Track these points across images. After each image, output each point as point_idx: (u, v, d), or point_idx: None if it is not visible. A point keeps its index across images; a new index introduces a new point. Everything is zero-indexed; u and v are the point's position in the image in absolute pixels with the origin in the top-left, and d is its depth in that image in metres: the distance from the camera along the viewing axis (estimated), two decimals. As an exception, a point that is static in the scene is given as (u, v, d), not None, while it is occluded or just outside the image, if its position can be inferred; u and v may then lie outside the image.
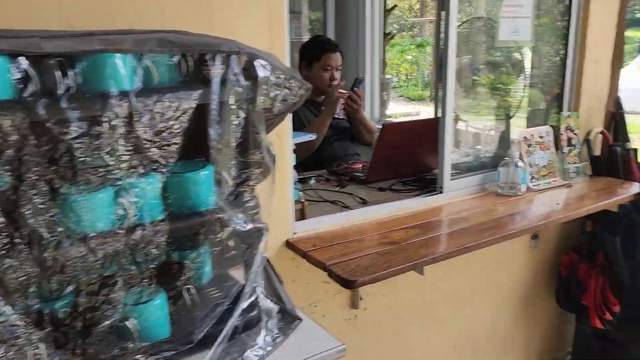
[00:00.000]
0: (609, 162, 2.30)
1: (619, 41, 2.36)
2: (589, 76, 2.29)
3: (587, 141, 2.34)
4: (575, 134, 2.24)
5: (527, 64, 2.41)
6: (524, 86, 2.39)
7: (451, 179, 2.02)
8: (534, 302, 2.38)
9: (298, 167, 2.71)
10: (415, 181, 2.21)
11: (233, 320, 1.10)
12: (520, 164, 2.03)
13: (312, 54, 2.71)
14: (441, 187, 2.00)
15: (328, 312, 1.75)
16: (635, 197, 2.05)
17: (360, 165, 2.48)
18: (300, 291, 1.68)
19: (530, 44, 2.33)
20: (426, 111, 12.14)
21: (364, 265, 1.44)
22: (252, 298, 1.18)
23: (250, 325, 1.16)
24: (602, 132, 2.37)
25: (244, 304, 1.15)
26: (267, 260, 1.29)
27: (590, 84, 2.31)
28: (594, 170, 2.32)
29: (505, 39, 2.15)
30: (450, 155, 2.00)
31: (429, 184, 2.12)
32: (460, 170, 2.19)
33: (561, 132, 2.20)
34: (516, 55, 2.37)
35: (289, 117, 1.55)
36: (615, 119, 2.32)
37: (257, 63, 1.07)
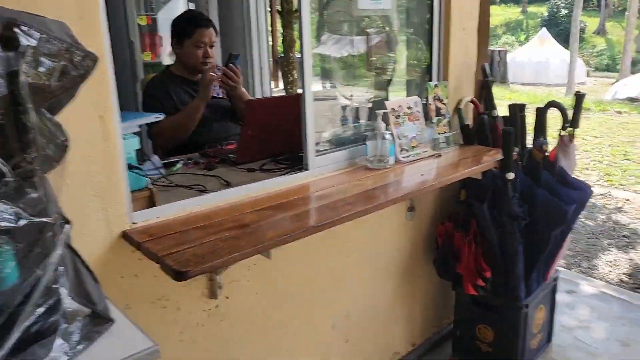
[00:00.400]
0: (478, 131, 2.32)
1: (485, 9, 2.37)
2: (456, 45, 2.28)
3: (458, 110, 2.35)
4: (443, 103, 2.23)
5: (398, 36, 2.37)
6: (394, 60, 2.35)
7: (317, 155, 1.94)
8: (414, 274, 2.39)
9: (170, 151, 2.57)
10: (288, 160, 2.12)
11: (17, 331, 0.95)
12: (387, 136, 1.99)
13: (182, 29, 2.52)
14: (306, 164, 1.92)
15: (183, 304, 1.63)
16: (500, 164, 2.08)
17: (235, 146, 2.36)
18: (147, 286, 1.54)
19: (397, 14, 2.29)
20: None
21: (200, 254, 1.32)
22: (51, 301, 1.04)
23: (44, 334, 1.01)
24: (472, 101, 2.38)
25: (39, 310, 1.00)
26: (79, 257, 1.15)
27: (459, 52, 2.31)
28: (465, 139, 2.33)
29: (365, 8, 2.08)
30: (314, 130, 1.92)
31: (300, 162, 2.03)
32: (336, 145, 2.12)
33: (429, 102, 2.18)
34: (382, 25, 2.33)
35: (113, 95, 1.39)
36: (483, 87, 2.34)
37: (19, 30, 0.91)
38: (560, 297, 3.04)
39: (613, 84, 15.62)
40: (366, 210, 1.65)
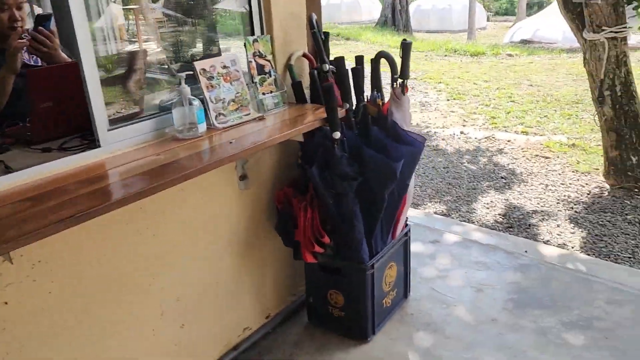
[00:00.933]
0: (312, 88, 2.15)
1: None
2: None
3: (288, 66, 2.16)
4: (267, 60, 2.04)
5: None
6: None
7: (111, 129, 1.70)
8: (259, 244, 2.25)
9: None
10: (92, 135, 1.86)
11: None
12: (195, 101, 1.78)
13: (-18, -11, 2.13)
14: (98, 141, 1.67)
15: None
16: (324, 123, 1.94)
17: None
18: None
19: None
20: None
21: None
22: None
23: None
24: (305, 55, 2.21)
25: None
26: None
27: (282, 1, 2.10)
28: (298, 98, 2.17)
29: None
30: (103, 101, 1.67)
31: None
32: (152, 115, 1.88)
33: (249, 60, 1.98)
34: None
35: None
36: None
37: None
38: (422, 248, 3.06)
39: (510, 27, 16.18)
40: (146, 192, 1.44)
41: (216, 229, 2.05)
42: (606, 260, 3.42)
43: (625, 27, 4.03)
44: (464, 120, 6.68)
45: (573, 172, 4.92)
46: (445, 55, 11.49)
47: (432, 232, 3.28)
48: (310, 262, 2.15)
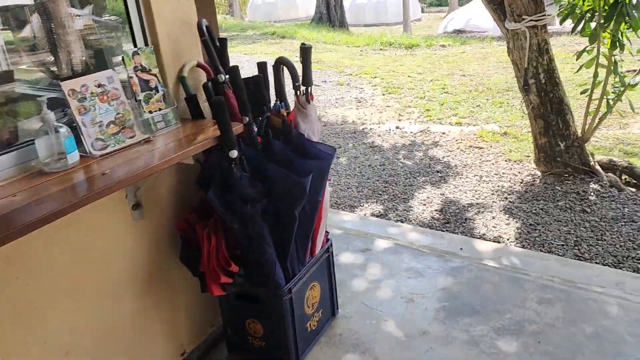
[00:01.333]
0: (209, 101, 1.95)
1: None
2: (161, -1, 1.85)
3: (181, 79, 1.95)
4: (153, 74, 1.82)
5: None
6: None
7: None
8: (165, 278, 2.03)
9: None
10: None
11: None
12: (62, 128, 1.54)
13: None
14: (-61, 183, 1.42)
15: None
16: (219, 141, 1.74)
17: None
18: None
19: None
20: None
21: None
22: None
23: None
24: (199, 66, 2.00)
25: None
26: None
27: (168, 8, 1.89)
28: (194, 113, 1.96)
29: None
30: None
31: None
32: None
33: (130, 76, 1.75)
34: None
35: None
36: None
37: None
38: (352, 258, 2.92)
39: (444, 18, 16.43)
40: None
41: (109, 267, 1.82)
42: (540, 250, 3.41)
43: (544, 15, 4.04)
44: (400, 115, 6.63)
45: (506, 161, 4.93)
46: (381, 49, 11.49)
47: (364, 239, 3.15)
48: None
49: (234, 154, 1.71)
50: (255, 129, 1.93)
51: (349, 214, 3.98)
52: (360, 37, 13.13)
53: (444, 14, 19.05)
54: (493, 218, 3.93)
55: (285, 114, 1.91)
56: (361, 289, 2.60)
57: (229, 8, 23.79)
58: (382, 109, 6.97)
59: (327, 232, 2.23)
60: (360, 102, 7.40)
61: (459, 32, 13.20)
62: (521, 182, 4.44)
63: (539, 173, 4.51)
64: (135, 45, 1.84)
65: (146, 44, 1.86)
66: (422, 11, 21.14)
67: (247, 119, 1.83)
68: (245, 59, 11.16)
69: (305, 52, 1.91)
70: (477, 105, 6.64)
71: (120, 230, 1.84)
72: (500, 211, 4.01)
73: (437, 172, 4.83)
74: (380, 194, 4.52)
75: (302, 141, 1.89)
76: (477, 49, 10.30)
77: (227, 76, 1.91)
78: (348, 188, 4.70)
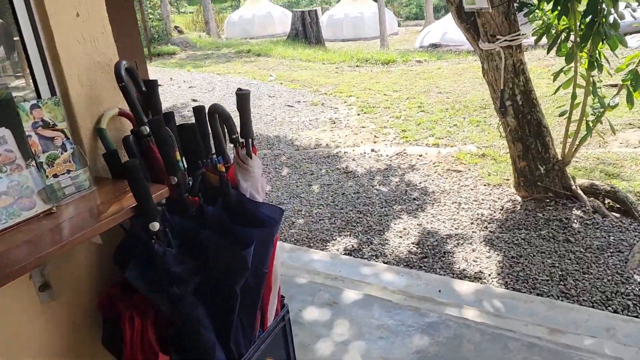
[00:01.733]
0: (130, 156, 1.66)
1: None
2: (69, 36, 1.56)
3: (99, 131, 1.66)
4: (58, 129, 1.53)
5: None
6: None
7: None
8: (88, 364, 1.72)
9: None
10: None
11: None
12: None
13: None
14: None
15: None
16: (136, 212, 1.44)
17: None
18: None
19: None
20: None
21: None
22: None
23: None
24: (122, 114, 1.71)
25: None
26: None
27: (78, 50, 1.60)
28: (115, 172, 1.66)
29: None
30: None
31: None
32: None
33: (27, 134, 1.46)
34: None
35: None
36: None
37: None
38: (317, 314, 2.63)
39: (420, 31, 16.38)
40: None
41: (13, 362, 1.51)
42: (524, 286, 3.17)
43: (518, 35, 3.85)
44: (375, 136, 6.40)
45: (485, 185, 4.71)
46: (357, 66, 11.31)
47: (331, 289, 2.85)
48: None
49: (155, 226, 1.42)
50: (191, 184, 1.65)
51: (318, 252, 3.70)
52: (336, 53, 12.96)
53: (421, 27, 19.05)
54: (473, 251, 3.69)
55: (223, 169, 1.62)
56: (326, 353, 2.31)
57: (205, 25, 23.53)
58: (357, 130, 6.73)
59: (281, 296, 1.95)
60: (334, 123, 7.16)
61: (435, 46, 13.11)
62: (501, 209, 4.22)
63: (519, 198, 4.30)
64: (38, 96, 1.55)
65: (53, 93, 1.56)
66: (399, 25, 21.15)
67: (176, 179, 1.54)
68: (217, 79, 10.89)
69: (242, 98, 1.62)
70: (454, 125, 6.45)
71: (26, 316, 1.53)
72: (481, 242, 3.77)
73: (414, 199, 4.59)
74: (355, 226, 4.25)
75: (243, 204, 1.61)
76: (453, 65, 10.18)
77: (147, 128, 1.62)
78: (320, 220, 4.43)
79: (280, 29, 22.33)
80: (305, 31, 15.07)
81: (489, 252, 3.66)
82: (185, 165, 1.72)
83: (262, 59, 13.42)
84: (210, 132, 1.74)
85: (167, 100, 9.25)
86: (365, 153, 5.83)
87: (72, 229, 1.35)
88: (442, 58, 11.09)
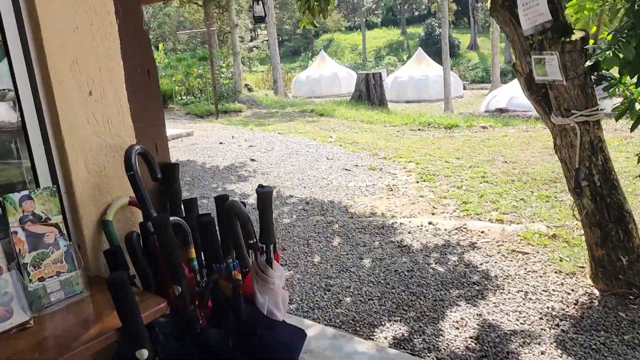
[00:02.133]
0: (133, 257, 1.44)
1: (144, 49, 1.54)
2: (77, 117, 1.41)
3: (104, 224, 1.46)
4: (51, 224, 1.34)
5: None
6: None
7: None
8: None
9: None
10: None
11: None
12: None
13: None
14: None
15: None
16: (121, 334, 1.20)
17: None
18: None
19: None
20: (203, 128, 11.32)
21: None
22: None
23: None
24: (132, 203, 1.52)
25: None
26: None
27: (87, 130, 1.44)
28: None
29: None
30: None
31: None
32: None
33: (12, 231, 1.28)
34: None
35: None
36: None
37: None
38: None
39: (486, 95, 16.05)
40: None
41: None
42: (605, 412, 2.65)
43: (597, 110, 3.46)
44: (434, 207, 6.01)
45: (556, 272, 4.19)
46: (419, 129, 11.06)
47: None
48: None
49: (143, 355, 1.17)
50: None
51: (364, 342, 3.33)
52: (398, 115, 12.82)
53: (487, 90, 18.71)
54: (542, 353, 3.19)
55: (239, 276, 1.37)
56: None
57: (273, 84, 24.39)
58: (415, 199, 6.38)
59: None
60: (392, 190, 6.85)
61: (501, 111, 12.69)
62: (575, 304, 3.68)
63: (597, 292, 3.75)
64: (37, 185, 1.38)
65: (54, 182, 1.40)
66: (464, 88, 20.92)
67: (180, 289, 1.30)
68: (278, 138, 10.96)
69: (264, 197, 1.37)
70: (521, 199, 5.96)
71: None
72: (552, 343, 3.27)
73: (474, 283, 4.14)
74: (406, 310, 3.85)
75: (258, 324, 1.33)
76: (520, 132, 9.70)
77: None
78: (369, 299, 4.06)
79: (345, 89, 22.77)
80: (369, 93, 15.13)
81: (561, 357, 3.15)
82: (203, 263, 1.48)
83: (324, 119, 13.49)
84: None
85: (227, 158, 9.34)
86: (422, 225, 5.45)
87: (47, 352, 1.13)
88: (509, 124, 10.63)
